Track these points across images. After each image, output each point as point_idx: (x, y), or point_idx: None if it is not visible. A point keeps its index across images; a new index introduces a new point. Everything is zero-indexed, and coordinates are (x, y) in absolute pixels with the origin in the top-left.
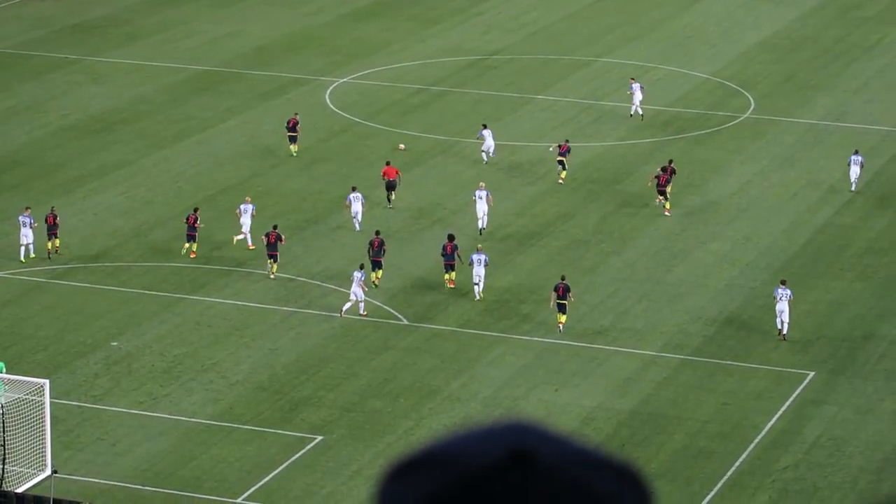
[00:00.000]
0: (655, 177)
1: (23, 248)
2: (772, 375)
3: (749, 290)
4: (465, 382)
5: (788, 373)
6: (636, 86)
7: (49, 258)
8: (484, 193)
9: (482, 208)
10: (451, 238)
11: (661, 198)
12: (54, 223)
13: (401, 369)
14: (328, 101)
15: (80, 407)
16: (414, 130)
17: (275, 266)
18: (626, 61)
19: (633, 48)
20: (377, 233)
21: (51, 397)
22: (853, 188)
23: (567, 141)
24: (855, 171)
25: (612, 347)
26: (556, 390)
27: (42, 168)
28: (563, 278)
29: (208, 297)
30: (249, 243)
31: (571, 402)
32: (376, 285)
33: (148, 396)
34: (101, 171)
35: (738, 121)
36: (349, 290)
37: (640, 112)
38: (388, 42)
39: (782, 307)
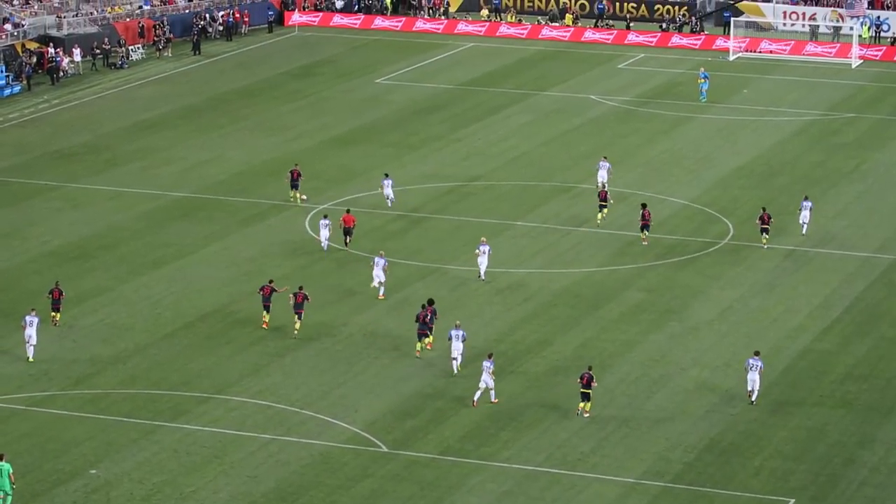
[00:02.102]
0: (641, 214)
1: (30, 349)
2: (753, 503)
3: (729, 416)
4: None
5: (769, 500)
6: (604, 164)
7: (55, 325)
8: (486, 248)
9: (483, 262)
10: (430, 303)
11: (643, 234)
12: (59, 297)
13: (380, 497)
14: (307, 227)
15: None
16: (394, 257)
17: (298, 323)
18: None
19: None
20: (430, 302)
21: None
22: (803, 232)
23: (605, 186)
24: (805, 214)
25: (591, 474)
26: None
27: (22, 294)
28: (589, 368)
29: (187, 424)
30: (381, 294)
31: None
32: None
33: None
34: (80, 298)
35: (717, 247)
36: (327, 416)
37: (606, 186)
38: (368, 168)
39: (753, 377)
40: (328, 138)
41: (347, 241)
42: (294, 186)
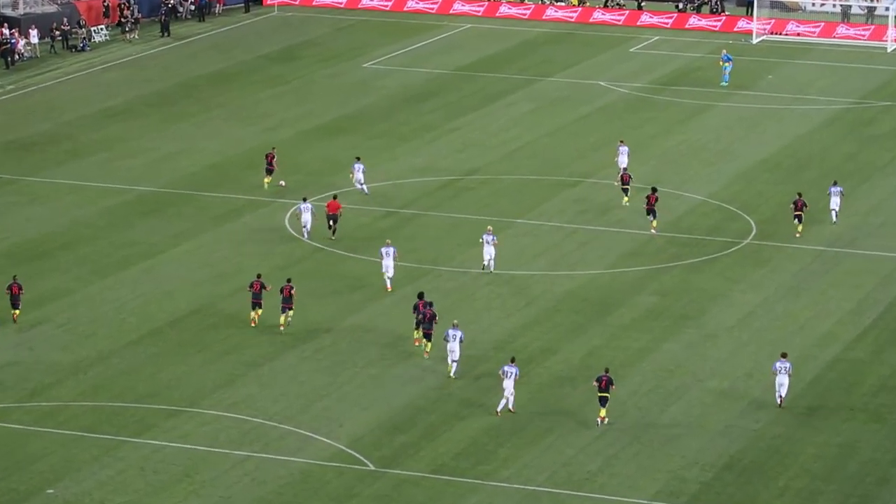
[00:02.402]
0: (646, 196)
1: None
2: None
3: (751, 431)
4: None
5: None
6: (623, 148)
7: (15, 322)
8: (491, 237)
9: (489, 251)
10: (420, 296)
11: (651, 218)
12: (18, 293)
13: None
14: (287, 224)
15: None
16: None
17: (283, 317)
18: (614, 182)
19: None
20: (420, 296)
21: None
22: (834, 220)
23: (626, 169)
24: (835, 201)
25: (599, 495)
26: None
27: None
28: (606, 371)
29: (154, 439)
30: (388, 286)
31: None
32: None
33: None
34: (38, 301)
35: (738, 247)
36: (309, 431)
37: (627, 170)
38: (353, 160)
39: (782, 380)
40: (311, 127)
41: (331, 226)
42: (269, 171)
